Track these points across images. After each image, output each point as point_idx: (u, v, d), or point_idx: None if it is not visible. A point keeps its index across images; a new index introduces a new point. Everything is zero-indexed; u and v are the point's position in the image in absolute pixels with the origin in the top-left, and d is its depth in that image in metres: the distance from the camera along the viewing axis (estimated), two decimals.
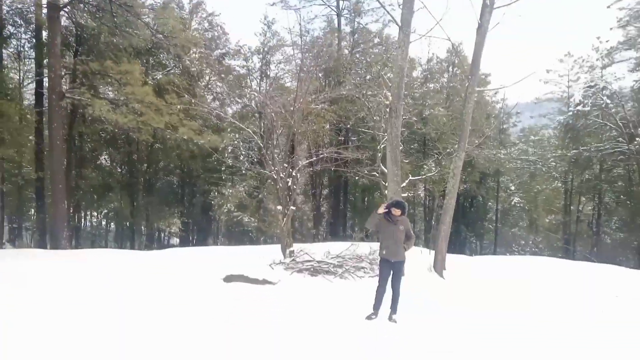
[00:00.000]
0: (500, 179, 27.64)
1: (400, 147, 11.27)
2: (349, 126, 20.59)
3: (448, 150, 22.31)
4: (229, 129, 23.23)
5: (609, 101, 20.53)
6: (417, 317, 7.01)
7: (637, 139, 18.56)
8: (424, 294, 9.20)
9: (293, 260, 10.07)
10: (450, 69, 24.62)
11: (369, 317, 6.61)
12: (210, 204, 29.04)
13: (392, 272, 6.69)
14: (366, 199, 29.90)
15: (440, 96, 23.51)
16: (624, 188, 23.56)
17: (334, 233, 28.37)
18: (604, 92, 20.69)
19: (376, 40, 26.51)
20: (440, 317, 7.46)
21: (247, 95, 21.09)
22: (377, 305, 6.69)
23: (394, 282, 6.68)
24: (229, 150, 28.22)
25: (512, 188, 31.69)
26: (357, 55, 25.91)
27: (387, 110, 11.10)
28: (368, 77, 23.39)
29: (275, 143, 13.84)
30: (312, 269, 9.73)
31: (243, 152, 26.10)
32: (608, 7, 21.93)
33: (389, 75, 19.60)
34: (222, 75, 24.54)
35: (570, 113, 22.43)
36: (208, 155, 26.13)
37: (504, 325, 7.21)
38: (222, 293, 7.51)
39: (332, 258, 10.40)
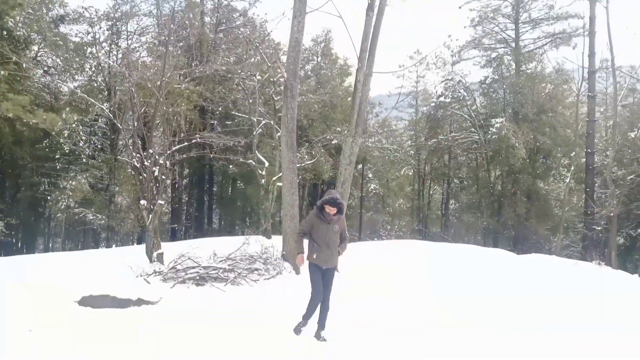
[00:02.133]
0: (364, 166, 28.45)
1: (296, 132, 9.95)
2: (220, 109, 18.54)
3: (318, 138, 21.82)
4: (67, 109, 19.09)
5: (465, 93, 22.43)
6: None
7: (491, 128, 20.48)
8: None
9: (173, 268, 8.07)
10: (320, 53, 24.09)
11: (297, 330, 5.37)
12: (40, 199, 23.95)
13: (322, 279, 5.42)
14: (238, 189, 27.85)
15: (310, 82, 22.80)
16: (472, 174, 26.11)
17: (198, 228, 25.93)
18: (459, 85, 22.52)
19: (241, 19, 24.68)
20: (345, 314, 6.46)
21: (93, 68, 17.54)
22: (308, 314, 5.44)
23: (325, 291, 5.43)
24: (65, 134, 23.53)
25: (370, 176, 33.17)
26: (221, 35, 23.75)
27: (282, 89, 9.70)
28: (233, 58, 21.53)
29: (136, 125, 11.36)
30: (197, 277, 7.91)
31: (84, 137, 21.85)
32: (460, 7, 23.82)
33: (257, 58, 18.14)
34: (60, 42, 20.02)
35: (433, 104, 23.99)
36: (37, 141, 21.34)
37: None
38: (82, 331, 5.31)
39: (220, 261, 8.67)
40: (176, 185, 25.48)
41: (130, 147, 10.74)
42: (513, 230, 22.50)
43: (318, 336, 5.38)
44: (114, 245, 23.40)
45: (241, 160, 17.58)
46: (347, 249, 5.64)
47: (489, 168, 23.90)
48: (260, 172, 17.03)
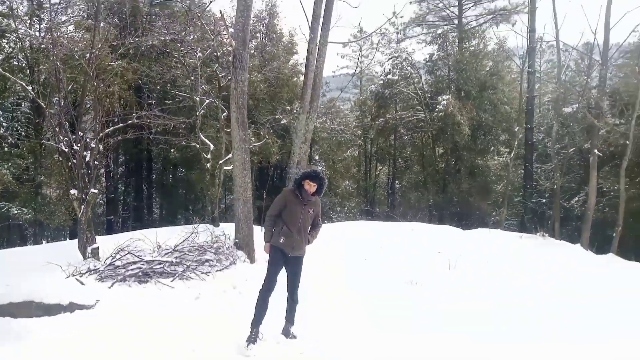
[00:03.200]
0: (311, 148, 27.93)
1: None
2: (159, 88, 17.08)
3: (267, 118, 20.92)
4: None
5: (412, 71, 22.33)
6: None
7: (438, 106, 20.54)
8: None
9: (111, 265, 7.11)
10: (265, 30, 22.96)
11: (250, 341, 4.54)
12: None
13: (286, 268, 4.78)
14: (180, 175, 26.21)
15: (255, 61, 21.67)
16: (417, 153, 26.31)
17: (137, 219, 24.29)
18: (405, 62, 22.38)
19: None
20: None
21: (12, 44, 15.44)
22: (258, 319, 4.65)
23: (291, 282, 4.80)
24: None
25: (317, 157, 32.70)
26: (157, 9, 21.94)
27: (230, 60, 8.78)
28: (170, 34, 19.95)
29: (62, 104, 10.04)
30: (140, 274, 7.01)
31: (5, 123, 19.50)
32: None
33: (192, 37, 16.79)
34: None
35: (381, 82, 23.72)
36: None
37: None
38: None
39: (166, 254, 7.79)
40: (111, 174, 23.65)
41: (57, 130, 9.43)
42: (458, 206, 22.98)
43: (287, 333, 4.78)
44: (43, 242, 21.37)
45: (184, 143, 16.32)
46: (317, 237, 5.02)
47: (434, 146, 24.15)
48: (205, 155, 15.94)
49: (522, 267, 11.17)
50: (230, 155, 16.73)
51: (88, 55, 9.92)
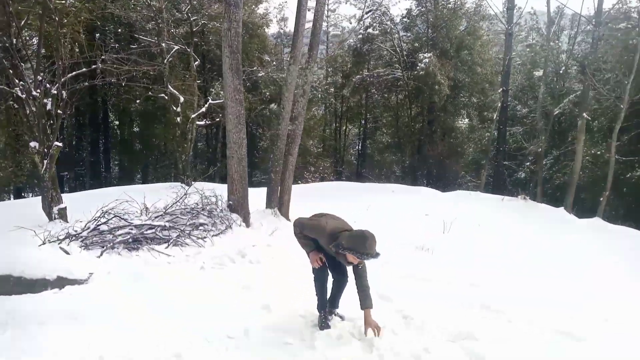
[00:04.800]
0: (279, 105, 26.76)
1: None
2: (120, 30, 15.20)
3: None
4: None
5: (392, 26, 21.38)
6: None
7: (419, 63, 19.86)
8: None
9: (96, 229, 6.12)
10: None
11: (323, 323, 3.92)
12: None
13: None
14: (141, 130, 24.23)
15: (219, 8, 19.81)
16: (392, 113, 25.79)
17: (94, 176, 22.53)
18: (384, 17, 21.37)
19: None
20: None
21: None
22: (322, 301, 4.02)
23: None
24: None
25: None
26: None
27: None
28: None
29: (15, 42, 8.49)
30: (130, 240, 6.09)
31: None
32: None
33: None
34: None
35: (360, 36, 22.64)
36: None
37: None
38: None
39: (157, 217, 6.86)
40: (64, 125, 21.55)
41: (10, 72, 7.96)
42: (434, 168, 22.90)
43: (330, 313, 4.10)
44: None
45: (150, 94, 14.82)
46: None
47: (410, 106, 23.68)
48: (175, 108, 14.59)
49: (514, 230, 11.12)
50: (203, 109, 15.54)
51: None
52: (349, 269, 3.88)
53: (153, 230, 6.46)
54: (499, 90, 20.26)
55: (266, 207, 9.31)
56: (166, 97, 14.39)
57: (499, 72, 22.69)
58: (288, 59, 9.78)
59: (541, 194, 16.61)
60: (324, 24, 29.04)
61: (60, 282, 4.55)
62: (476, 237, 9.91)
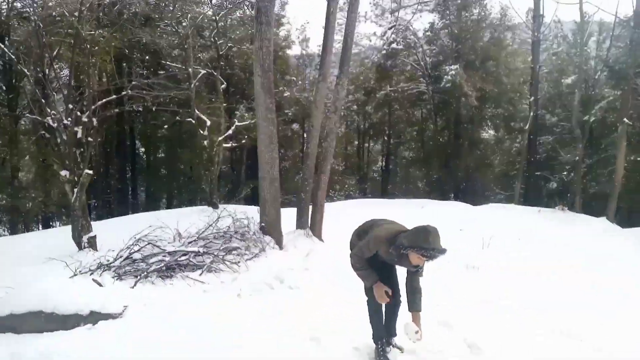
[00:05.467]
0: (304, 124, 26.64)
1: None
2: (147, 58, 15.42)
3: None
4: None
5: (415, 39, 21.18)
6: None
7: (445, 76, 19.51)
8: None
9: (128, 258, 5.89)
10: None
11: (383, 357, 3.56)
12: None
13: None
14: (168, 155, 24.28)
15: (246, 28, 20.02)
16: (418, 127, 25.38)
17: (122, 202, 22.70)
18: (407, 32, 21.20)
19: None
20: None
21: None
22: (379, 330, 3.66)
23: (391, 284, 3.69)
24: None
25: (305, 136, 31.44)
26: None
27: (254, 15, 7.44)
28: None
29: (47, 72, 8.56)
30: (164, 268, 5.83)
31: None
32: None
33: None
34: None
35: (384, 52, 22.51)
36: None
37: None
38: None
39: (190, 243, 6.61)
40: (92, 153, 21.88)
41: (43, 102, 7.98)
42: (464, 182, 22.27)
43: (388, 344, 3.71)
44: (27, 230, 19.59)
45: (178, 118, 14.86)
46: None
47: (436, 120, 23.22)
48: (201, 132, 14.56)
49: (558, 242, 10.50)
50: (229, 132, 15.48)
51: (77, 14, 8.40)
52: (403, 285, 3.56)
53: (187, 257, 6.19)
54: (531, 99, 19.62)
55: (297, 228, 9.00)
56: (193, 121, 14.38)
57: (527, 81, 22.09)
58: (316, 77, 9.60)
59: (580, 204, 15.80)
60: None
61: (94, 317, 4.28)
62: (519, 252, 9.38)
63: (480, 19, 21.85)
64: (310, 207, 9.01)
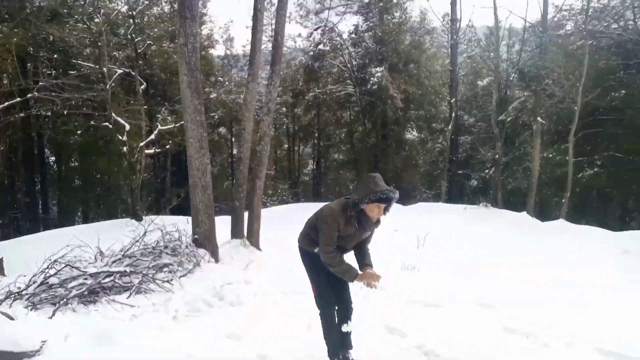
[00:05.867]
0: (232, 128, 25.90)
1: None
2: (55, 56, 13.95)
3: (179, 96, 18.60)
4: None
5: (342, 41, 21.33)
6: None
7: (372, 78, 19.81)
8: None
9: (44, 283, 5.15)
10: None
11: None
12: None
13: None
14: (82, 163, 22.28)
15: (166, 25, 18.85)
16: (346, 129, 25.65)
17: (31, 218, 20.55)
18: (332, 33, 21.33)
19: None
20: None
21: None
22: (333, 346, 3.48)
23: (340, 292, 3.53)
24: None
25: (233, 139, 30.62)
26: None
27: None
28: None
29: None
30: (86, 292, 5.18)
31: None
32: None
33: None
34: None
35: (311, 53, 22.39)
36: None
37: None
38: None
39: (114, 262, 5.95)
40: None
41: None
42: (393, 182, 22.83)
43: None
44: None
45: (92, 123, 13.66)
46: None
47: (365, 121, 23.62)
48: (120, 137, 13.50)
49: (486, 239, 11.01)
50: (152, 137, 14.53)
51: None
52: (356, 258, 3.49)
53: (112, 278, 5.55)
54: (452, 101, 20.58)
55: (232, 237, 8.56)
56: (110, 126, 13.30)
57: (446, 83, 23.19)
58: (243, 78, 9.23)
59: (502, 200, 16.80)
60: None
61: (7, 357, 3.63)
62: (453, 250, 9.69)
63: (402, 22, 22.56)
64: (246, 214, 8.60)
